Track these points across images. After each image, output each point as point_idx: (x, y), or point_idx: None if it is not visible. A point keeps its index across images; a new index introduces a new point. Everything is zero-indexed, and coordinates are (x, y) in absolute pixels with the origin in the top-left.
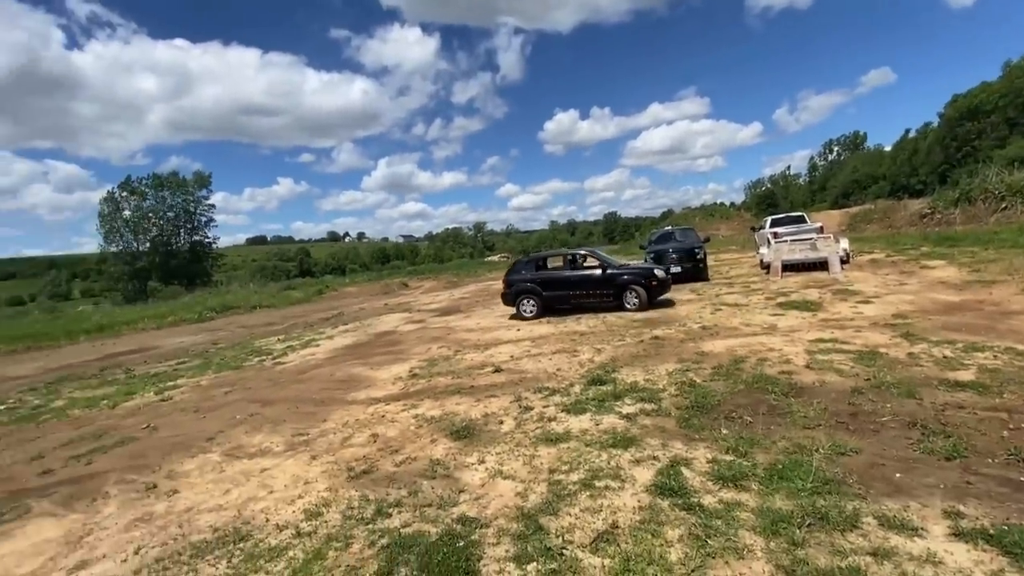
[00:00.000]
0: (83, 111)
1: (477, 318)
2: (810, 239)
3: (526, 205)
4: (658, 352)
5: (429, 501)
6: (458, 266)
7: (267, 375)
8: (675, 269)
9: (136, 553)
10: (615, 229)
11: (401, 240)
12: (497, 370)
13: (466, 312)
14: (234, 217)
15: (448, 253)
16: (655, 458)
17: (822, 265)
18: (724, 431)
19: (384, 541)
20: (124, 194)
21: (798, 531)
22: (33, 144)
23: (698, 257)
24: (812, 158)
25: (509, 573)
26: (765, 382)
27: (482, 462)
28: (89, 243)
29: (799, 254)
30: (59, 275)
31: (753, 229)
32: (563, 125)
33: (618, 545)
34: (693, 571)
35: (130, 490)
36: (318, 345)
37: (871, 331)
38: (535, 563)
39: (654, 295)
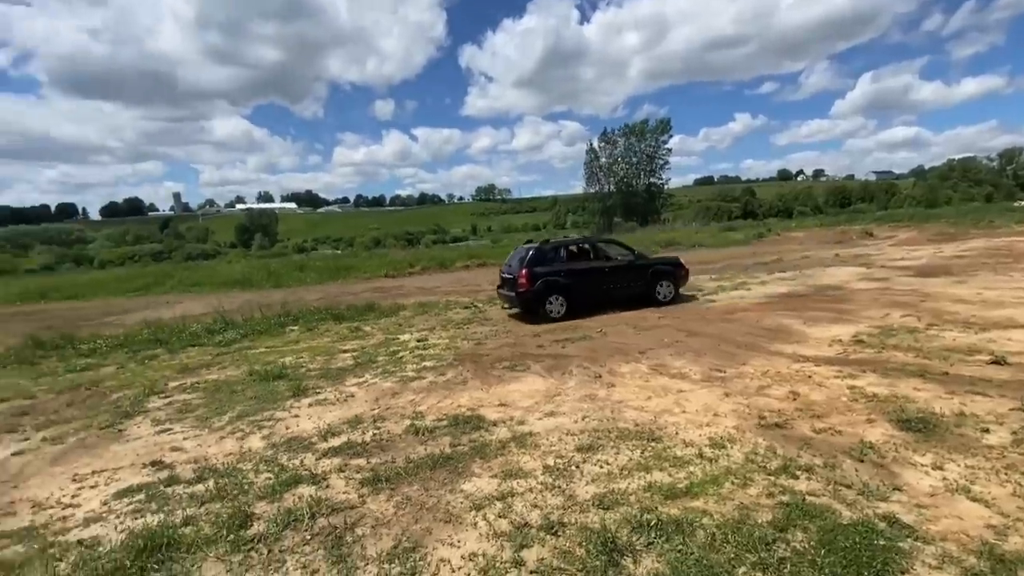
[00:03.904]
0: (585, 75)
1: (978, 286)
2: None
3: None
4: None
5: (849, 482)
6: (961, 212)
7: (696, 309)
8: None
9: (583, 419)
10: None
11: (872, 177)
12: (998, 361)
13: (960, 276)
14: (686, 158)
15: (946, 194)
16: None
17: None
18: None
19: (784, 498)
20: (601, 144)
21: None
22: (552, 109)
23: None
24: None
25: None
26: None
27: (938, 468)
28: (578, 185)
29: None
30: (560, 210)
31: None
32: None
33: None
34: None
35: (584, 374)
36: (748, 289)
37: None
38: None
39: (680, 284)
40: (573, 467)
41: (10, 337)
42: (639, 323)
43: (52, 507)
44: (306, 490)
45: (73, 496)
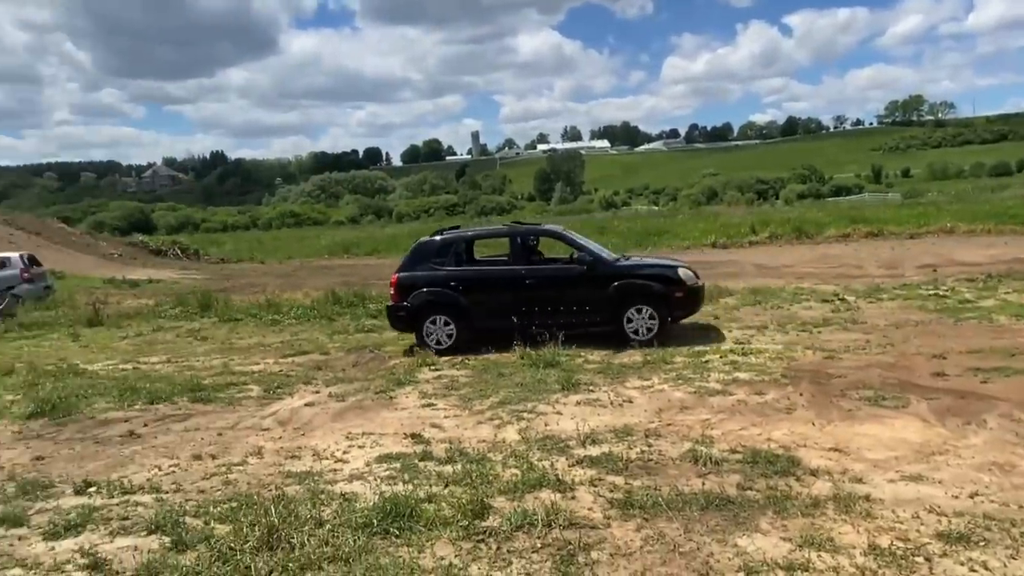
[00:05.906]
0: None
1: None
2: None
3: None
4: None
5: None
6: None
7: None
8: None
9: (972, 496)
10: None
11: None
12: None
13: None
14: None
15: None
16: None
17: None
18: None
19: None
20: None
21: None
22: None
23: None
24: None
25: None
26: None
27: None
28: None
29: None
30: None
31: None
32: None
33: None
34: None
35: (1009, 429)
36: None
37: None
38: None
39: (676, 313)
40: (919, 559)
41: (316, 290)
42: None
43: (327, 459)
44: (549, 495)
45: (344, 452)
